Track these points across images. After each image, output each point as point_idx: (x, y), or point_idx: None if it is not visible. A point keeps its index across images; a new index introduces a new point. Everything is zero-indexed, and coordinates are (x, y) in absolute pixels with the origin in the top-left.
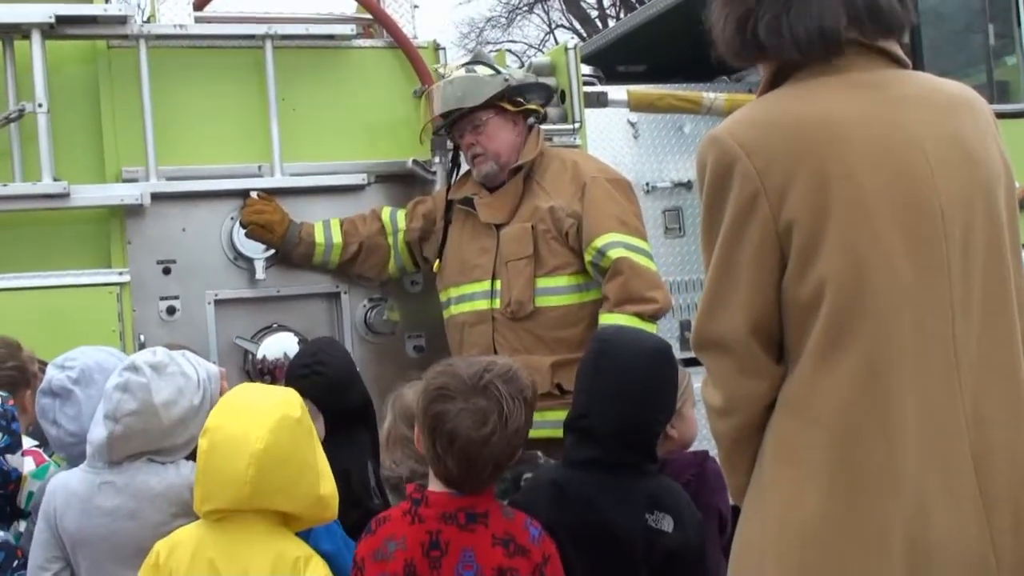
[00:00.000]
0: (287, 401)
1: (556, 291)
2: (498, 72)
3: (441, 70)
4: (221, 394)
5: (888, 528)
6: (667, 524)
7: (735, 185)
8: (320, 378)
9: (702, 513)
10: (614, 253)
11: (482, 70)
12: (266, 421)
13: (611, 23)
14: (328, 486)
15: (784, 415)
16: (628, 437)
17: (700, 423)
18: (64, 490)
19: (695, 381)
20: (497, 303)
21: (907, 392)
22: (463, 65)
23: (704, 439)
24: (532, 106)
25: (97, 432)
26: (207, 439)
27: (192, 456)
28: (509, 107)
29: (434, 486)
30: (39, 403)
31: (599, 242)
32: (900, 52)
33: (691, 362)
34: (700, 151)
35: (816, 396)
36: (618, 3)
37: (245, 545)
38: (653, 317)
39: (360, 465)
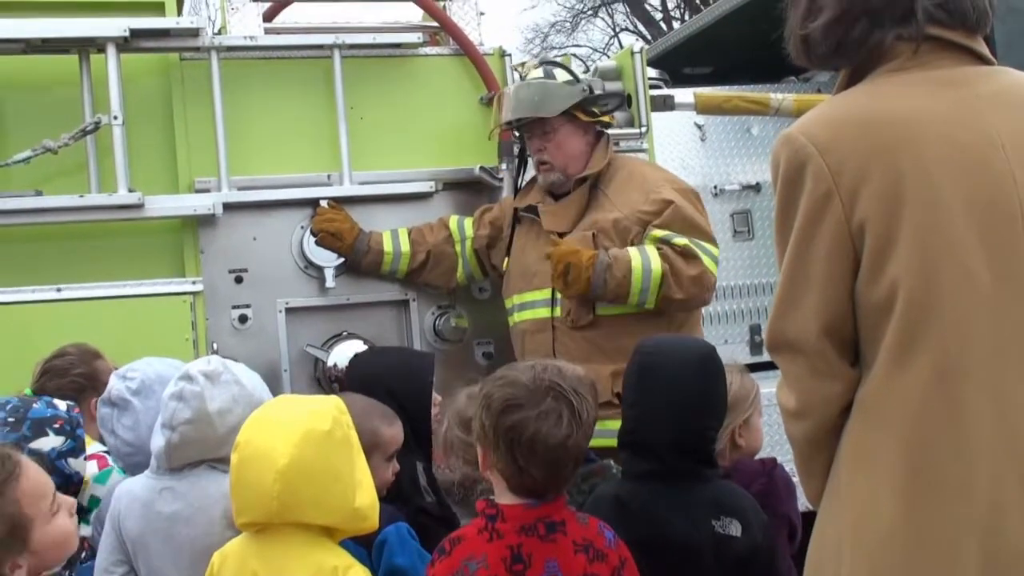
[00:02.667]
0: (316, 413)
1: None
2: (576, 80)
3: (519, 69)
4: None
5: (962, 535)
6: (735, 528)
7: (808, 184)
8: (357, 371)
9: (772, 520)
10: (680, 240)
11: (560, 74)
12: (291, 436)
13: (675, 25)
14: (366, 497)
15: (858, 419)
16: (683, 446)
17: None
18: (128, 495)
19: (764, 387)
20: (558, 311)
21: (982, 398)
22: (540, 64)
23: (774, 445)
24: (605, 119)
25: (156, 440)
26: (237, 454)
27: None
28: (583, 117)
29: (505, 499)
30: (100, 412)
31: (660, 233)
32: (983, 48)
33: (758, 367)
34: (774, 150)
35: (889, 400)
36: (683, 5)
37: (284, 557)
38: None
39: (408, 463)
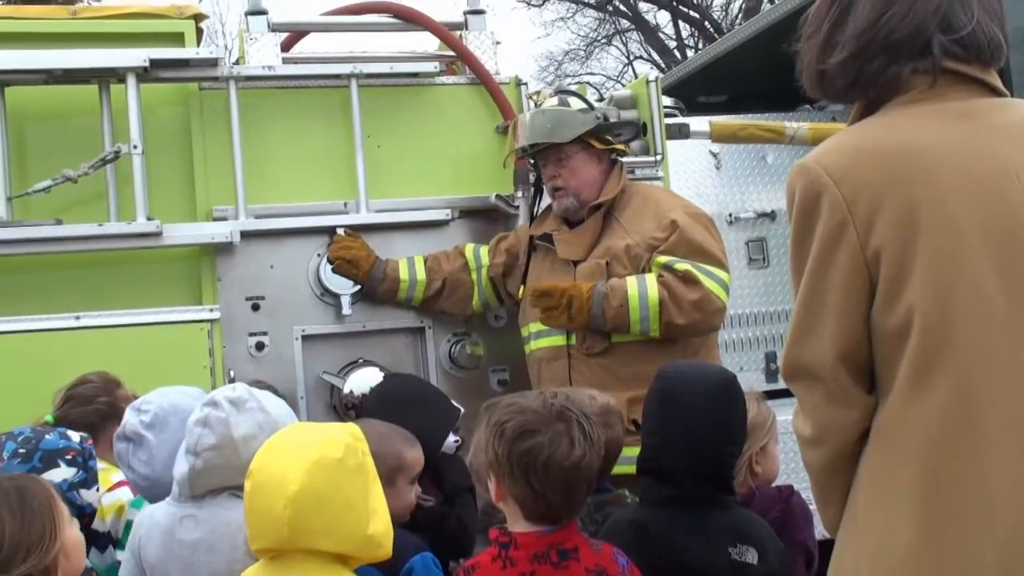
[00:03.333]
0: (328, 440)
1: None
2: (591, 107)
3: (535, 98)
4: None
5: (980, 564)
6: (751, 556)
7: (823, 213)
8: (377, 402)
9: (788, 548)
10: (681, 266)
11: (575, 102)
12: (302, 463)
13: (689, 54)
14: (380, 525)
15: (876, 446)
16: (702, 473)
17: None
18: (149, 521)
19: (780, 415)
20: (573, 339)
21: (1000, 426)
22: (556, 93)
23: (790, 472)
24: (618, 146)
25: (179, 467)
26: (251, 480)
27: None
28: (596, 144)
29: (518, 527)
30: (116, 446)
31: (664, 259)
32: (997, 81)
33: (774, 395)
34: (789, 180)
35: (906, 427)
36: (696, 34)
37: None
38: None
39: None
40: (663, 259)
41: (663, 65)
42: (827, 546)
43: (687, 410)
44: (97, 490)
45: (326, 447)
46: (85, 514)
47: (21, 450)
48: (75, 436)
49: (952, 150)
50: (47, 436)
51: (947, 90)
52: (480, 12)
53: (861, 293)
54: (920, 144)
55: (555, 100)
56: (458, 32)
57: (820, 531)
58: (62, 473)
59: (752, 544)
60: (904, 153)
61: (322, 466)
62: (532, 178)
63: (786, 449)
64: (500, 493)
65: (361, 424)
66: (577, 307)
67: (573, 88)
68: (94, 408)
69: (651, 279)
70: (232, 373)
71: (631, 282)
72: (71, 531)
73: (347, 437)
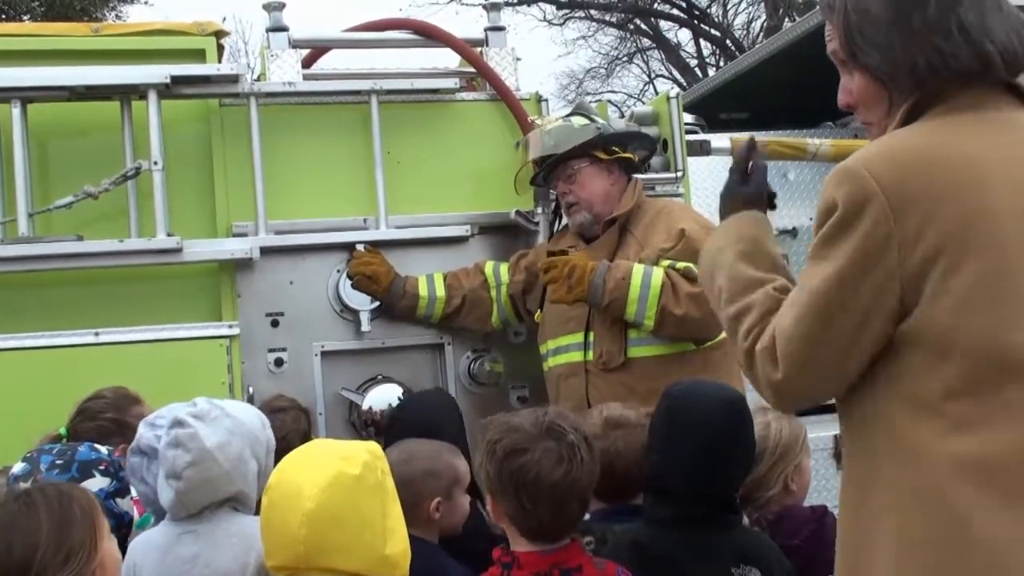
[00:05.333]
0: (347, 457)
1: (647, 342)
2: (592, 121)
3: (539, 120)
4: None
5: None
6: None
7: (866, 220)
8: (401, 425)
9: (821, 569)
10: (684, 264)
11: (577, 120)
12: (320, 479)
13: (711, 72)
14: (397, 545)
15: (888, 453)
16: (708, 493)
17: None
18: (144, 543)
19: (811, 432)
20: (590, 355)
21: None
22: (563, 116)
23: (821, 490)
24: (625, 155)
25: (164, 495)
26: (268, 495)
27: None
28: (602, 156)
29: (519, 546)
30: (129, 461)
31: (668, 261)
32: None
33: (800, 412)
34: (830, 182)
35: (950, 441)
36: (718, 52)
37: None
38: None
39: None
40: (667, 262)
41: (684, 83)
42: None
43: (695, 431)
44: (132, 500)
45: (344, 464)
46: (123, 523)
47: (59, 461)
48: (103, 449)
49: (1002, 161)
50: (80, 448)
51: (989, 99)
52: (501, 29)
53: (886, 314)
54: (969, 155)
55: (559, 120)
56: (479, 48)
57: None
58: (98, 483)
59: (757, 565)
60: (953, 163)
61: (340, 483)
62: (553, 195)
63: (815, 466)
64: (497, 512)
65: (404, 444)
66: (577, 276)
67: (588, 105)
68: (96, 424)
69: (657, 268)
70: (251, 389)
71: (637, 264)
72: (110, 546)
73: (366, 455)
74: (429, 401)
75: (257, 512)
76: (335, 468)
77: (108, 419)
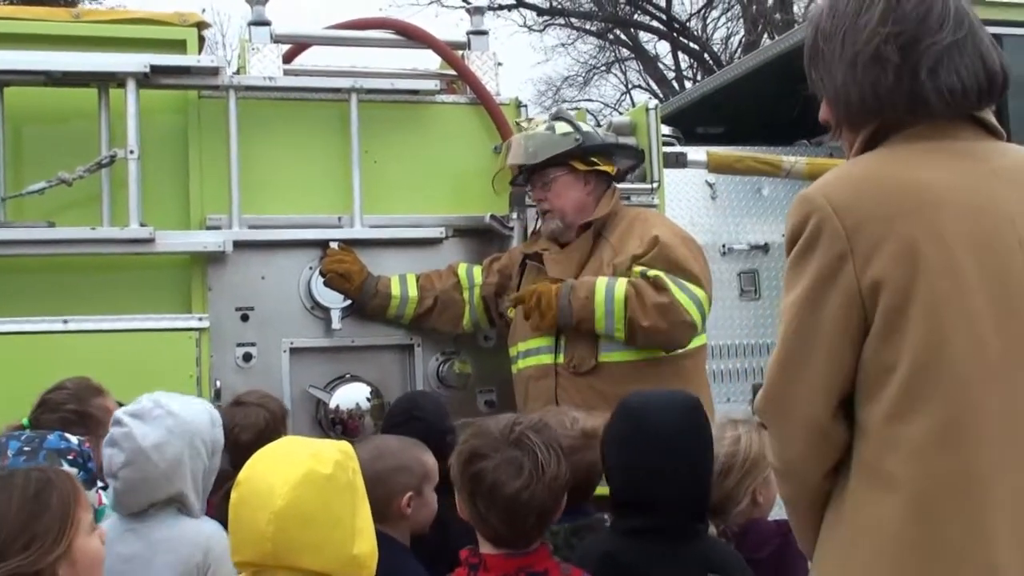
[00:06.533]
0: (318, 456)
1: (618, 347)
2: (577, 130)
3: (524, 124)
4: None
5: None
6: None
7: (823, 245)
8: (419, 423)
9: None
10: (654, 272)
11: (561, 127)
12: (290, 477)
13: (688, 85)
14: (365, 545)
15: (857, 478)
16: (672, 503)
17: None
18: None
19: None
20: (561, 358)
21: (992, 464)
22: (548, 120)
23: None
24: (602, 167)
25: (108, 492)
26: (237, 491)
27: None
28: (580, 166)
29: (487, 548)
30: (103, 452)
31: (639, 268)
32: (995, 122)
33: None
34: (792, 210)
35: (890, 460)
36: (695, 65)
37: None
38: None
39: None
40: (639, 268)
41: (661, 95)
42: None
43: (652, 442)
44: (97, 492)
45: (315, 462)
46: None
47: (26, 448)
48: (73, 439)
49: (954, 188)
50: (49, 437)
51: (949, 128)
52: (483, 33)
53: (854, 329)
54: (923, 180)
55: (543, 126)
56: (460, 52)
57: None
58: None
59: (720, 573)
60: (907, 188)
61: (310, 481)
62: (529, 201)
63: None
64: (462, 512)
65: (373, 440)
66: (546, 301)
67: (569, 113)
68: (59, 416)
69: (621, 280)
70: (219, 383)
71: (600, 278)
72: (87, 541)
73: (337, 454)
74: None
75: (212, 513)
76: (306, 466)
77: (70, 410)
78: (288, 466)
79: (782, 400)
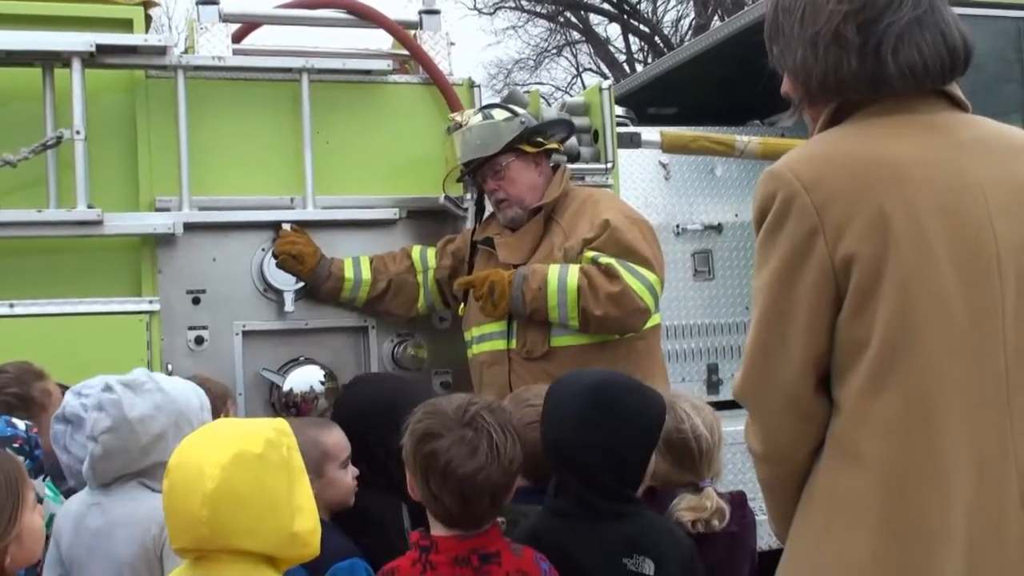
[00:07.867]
0: (248, 436)
1: (570, 332)
2: (515, 114)
3: (458, 117)
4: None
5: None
6: (648, 567)
7: (792, 220)
8: (342, 408)
9: (741, 555)
10: (605, 259)
11: (498, 114)
12: (220, 458)
13: (638, 68)
14: (306, 522)
15: (832, 455)
16: (587, 481)
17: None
18: (64, 510)
19: (727, 426)
20: (514, 343)
21: (958, 438)
22: (479, 110)
23: (740, 483)
24: (551, 145)
25: (85, 457)
26: (169, 478)
27: None
28: (529, 148)
29: (438, 530)
30: (53, 428)
31: (591, 254)
32: (961, 95)
33: (718, 407)
34: (758, 187)
35: (861, 436)
36: (646, 48)
37: None
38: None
39: (394, 508)
40: (591, 253)
41: (612, 78)
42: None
43: (559, 421)
44: (44, 480)
45: (245, 442)
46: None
47: None
48: (21, 424)
49: (922, 162)
50: None
51: (914, 102)
52: (435, 12)
53: (828, 303)
54: (892, 155)
55: (479, 116)
56: (412, 31)
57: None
58: None
59: (648, 555)
60: (876, 163)
61: (241, 461)
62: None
63: (734, 459)
64: (413, 492)
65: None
66: (499, 291)
67: (495, 102)
68: (1, 400)
69: (573, 268)
70: (170, 367)
71: (553, 268)
72: (32, 518)
73: (269, 431)
74: (389, 382)
75: None
76: (236, 446)
77: (11, 394)
78: (217, 447)
79: (763, 380)
